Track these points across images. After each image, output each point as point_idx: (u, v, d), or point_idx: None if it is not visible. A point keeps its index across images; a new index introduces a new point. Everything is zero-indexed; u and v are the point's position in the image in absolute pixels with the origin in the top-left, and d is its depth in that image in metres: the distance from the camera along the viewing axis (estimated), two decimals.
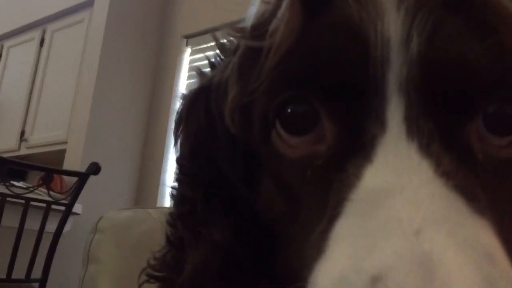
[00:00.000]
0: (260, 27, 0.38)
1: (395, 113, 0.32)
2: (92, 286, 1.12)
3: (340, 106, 0.34)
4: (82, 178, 2.07)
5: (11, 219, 2.02)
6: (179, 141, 0.47)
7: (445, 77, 0.32)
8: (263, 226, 0.40)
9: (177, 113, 0.47)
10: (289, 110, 0.35)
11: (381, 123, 0.32)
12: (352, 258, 0.26)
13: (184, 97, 0.47)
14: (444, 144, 0.31)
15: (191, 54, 3.23)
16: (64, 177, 2.80)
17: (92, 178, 2.14)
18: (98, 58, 3.06)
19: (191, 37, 3.23)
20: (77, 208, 2.45)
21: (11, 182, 2.17)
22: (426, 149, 0.30)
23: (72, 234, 2.46)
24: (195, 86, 0.47)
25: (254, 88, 0.37)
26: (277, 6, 0.37)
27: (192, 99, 0.46)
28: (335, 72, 0.33)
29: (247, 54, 0.39)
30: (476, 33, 0.33)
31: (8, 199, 1.96)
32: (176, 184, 0.47)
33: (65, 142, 3.09)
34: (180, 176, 0.46)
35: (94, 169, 2.04)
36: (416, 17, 0.33)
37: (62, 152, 3.06)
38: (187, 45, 3.26)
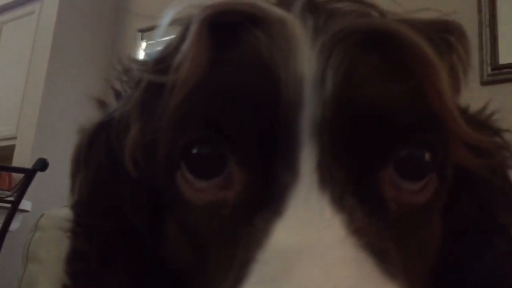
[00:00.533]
0: (163, 61, 0.35)
1: (308, 160, 0.30)
2: (32, 287, 1.09)
3: (249, 150, 0.31)
4: (29, 174, 2.00)
5: None
6: (77, 184, 0.42)
7: (358, 121, 0.30)
8: (171, 274, 0.37)
9: (75, 149, 0.42)
10: (194, 152, 0.32)
11: (292, 171, 0.30)
12: None
13: (83, 131, 0.42)
14: (356, 196, 0.29)
15: (146, 49, 3.18)
16: (13, 173, 2.72)
17: (43, 174, 2.07)
18: (49, 51, 2.97)
19: (146, 31, 3.18)
20: (26, 205, 2.38)
21: None
22: (338, 202, 0.28)
23: (21, 231, 2.39)
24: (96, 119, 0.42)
25: (157, 126, 0.34)
26: (182, 38, 0.34)
27: (92, 135, 0.41)
28: (243, 113, 0.31)
29: (150, 88, 0.36)
30: (392, 75, 0.32)
31: None
32: (70, 236, 0.42)
33: (15, 137, 3.00)
34: (75, 227, 0.41)
35: (41, 165, 1.98)
36: (331, 55, 0.31)
37: (12, 148, 2.97)
38: (142, 39, 3.21)
